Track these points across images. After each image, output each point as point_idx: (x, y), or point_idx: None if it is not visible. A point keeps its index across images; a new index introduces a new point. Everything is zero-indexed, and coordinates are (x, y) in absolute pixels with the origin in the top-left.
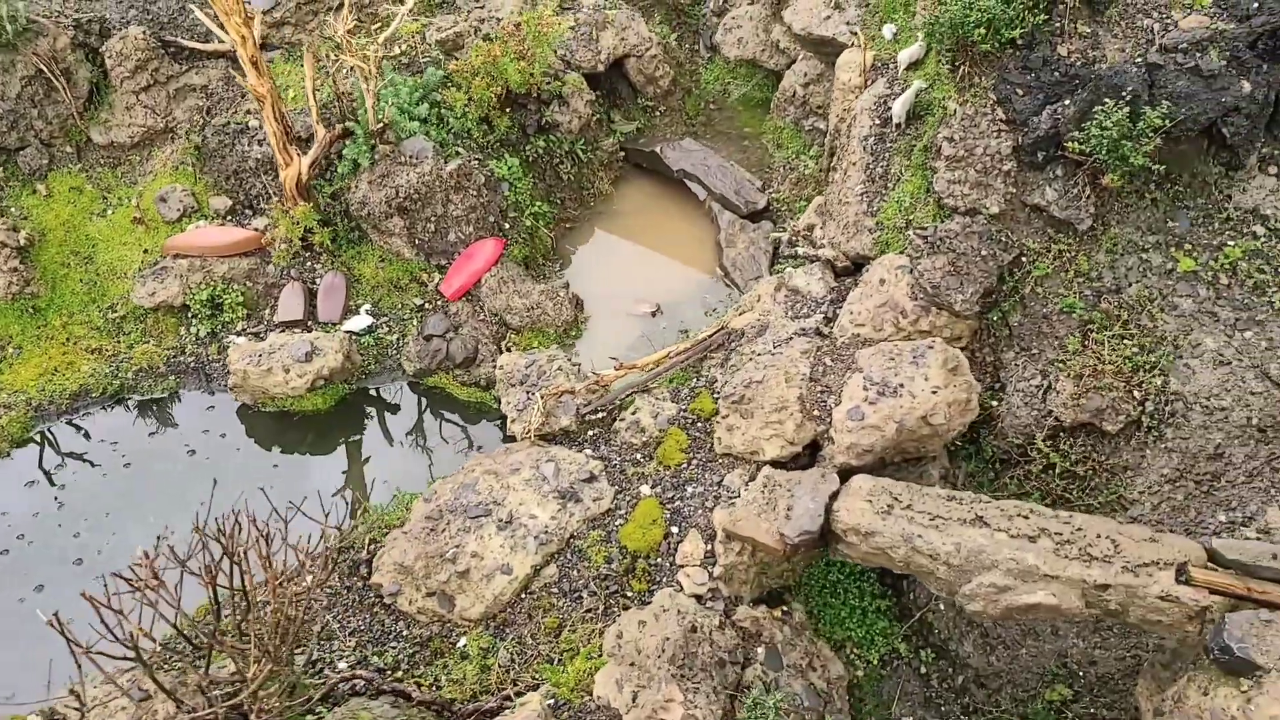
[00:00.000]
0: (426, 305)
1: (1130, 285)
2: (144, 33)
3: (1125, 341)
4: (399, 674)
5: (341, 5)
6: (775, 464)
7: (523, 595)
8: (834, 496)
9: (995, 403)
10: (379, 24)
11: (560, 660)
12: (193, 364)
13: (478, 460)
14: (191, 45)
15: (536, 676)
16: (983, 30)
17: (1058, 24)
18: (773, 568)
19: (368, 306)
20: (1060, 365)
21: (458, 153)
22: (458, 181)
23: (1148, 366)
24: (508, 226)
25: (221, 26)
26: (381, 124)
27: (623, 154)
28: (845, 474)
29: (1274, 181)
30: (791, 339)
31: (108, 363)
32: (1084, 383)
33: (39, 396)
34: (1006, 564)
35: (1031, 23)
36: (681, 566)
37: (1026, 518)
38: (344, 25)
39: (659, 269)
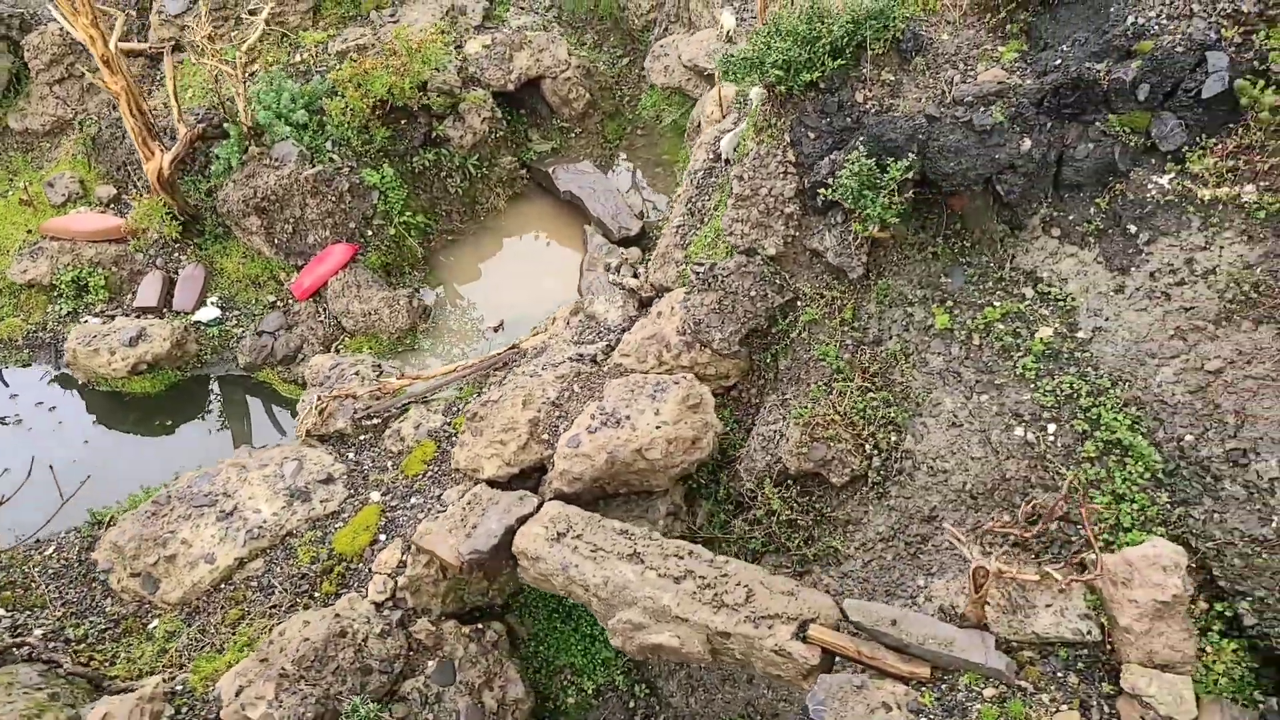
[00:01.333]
0: (278, 302)
1: (891, 338)
2: (60, 29)
3: (870, 395)
4: (82, 646)
5: (256, 11)
6: (493, 483)
7: (222, 585)
8: (524, 520)
9: (746, 445)
10: (280, 32)
11: (224, 650)
12: (49, 340)
13: (239, 453)
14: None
15: (195, 664)
16: (780, 72)
17: (864, 70)
18: (471, 584)
19: (214, 299)
20: (797, 413)
21: (332, 159)
22: (315, 187)
23: (885, 421)
24: (370, 234)
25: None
26: (249, 126)
27: (525, 172)
28: (565, 499)
29: (1055, 244)
30: (561, 363)
31: None
32: (813, 432)
33: None
34: (644, 602)
35: (830, 67)
36: (376, 573)
37: (681, 558)
38: (202, 31)
39: (527, 286)
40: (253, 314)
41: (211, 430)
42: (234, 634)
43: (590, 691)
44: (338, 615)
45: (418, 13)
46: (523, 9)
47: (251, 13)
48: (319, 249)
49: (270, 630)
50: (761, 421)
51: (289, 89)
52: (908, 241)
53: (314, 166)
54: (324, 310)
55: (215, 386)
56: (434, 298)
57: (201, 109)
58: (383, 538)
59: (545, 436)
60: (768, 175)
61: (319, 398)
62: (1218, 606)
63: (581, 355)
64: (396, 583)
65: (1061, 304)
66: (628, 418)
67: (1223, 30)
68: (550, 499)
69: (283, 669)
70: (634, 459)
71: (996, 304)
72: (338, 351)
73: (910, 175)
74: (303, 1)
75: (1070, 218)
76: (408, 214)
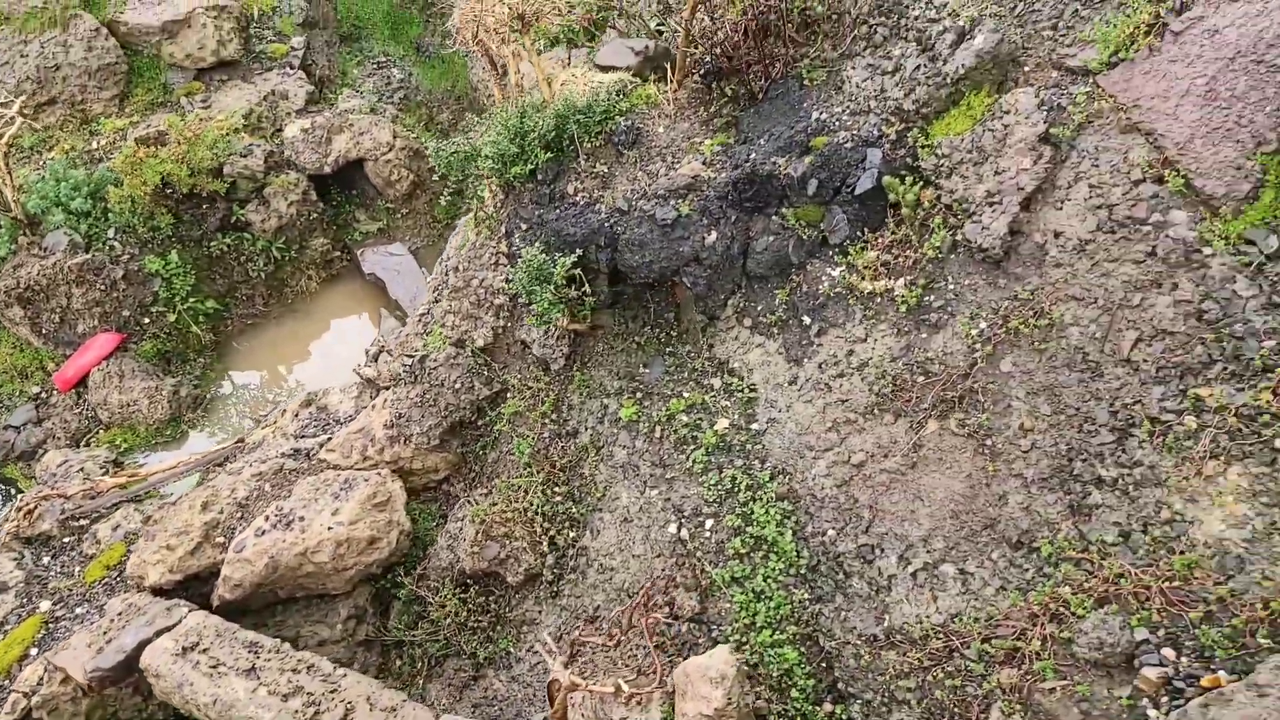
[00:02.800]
0: (43, 393)
1: (585, 431)
2: None
3: (555, 489)
4: None
5: (8, 105)
6: (158, 590)
7: None
8: (161, 633)
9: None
10: (80, 118)
11: None
12: None
13: None
14: None
15: None
16: (492, 164)
17: (580, 162)
18: (124, 702)
19: None
20: (474, 511)
21: (112, 247)
22: (80, 275)
23: (565, 518)
24: (147, 321)
25: None
26: (20, 217)
27: (345, 253)
28: (233, 605)
29: (746, 334)
30: (269, 460)
31: None
32: (488, 530)
33: None
34: None
35: (541, 160)
36: (14, 691)
37: (299, 672)
38: None
39: (329, 370)
40: (11, 406)
41: None
42: None
43: None
44: None
45: (232, 98)
46: (358, 92)
47: (3, 105)
48: (89, 338)
49: None
50: (452, 518)
51: (71, 177)
52: (613, 332)
53: (84, 255)
54: (84, 402)
55: None
56: (227, 383)
57: None
58: (34, 652)
59: (221, 540)
60: (480, 266)
61: (23, 498)
62: (838, 710)
63: (297, 450)
64: (31, 702)
65: (743, 395)
66: (302, 519)
67: (884, 127)
68: (216, 606)
69: None
70: (300, 563)
71: (685, 395)
72: (86, 445)
73: (602, 269)
74: (106, 89)
75: (758, 308)
76: (194, 300)
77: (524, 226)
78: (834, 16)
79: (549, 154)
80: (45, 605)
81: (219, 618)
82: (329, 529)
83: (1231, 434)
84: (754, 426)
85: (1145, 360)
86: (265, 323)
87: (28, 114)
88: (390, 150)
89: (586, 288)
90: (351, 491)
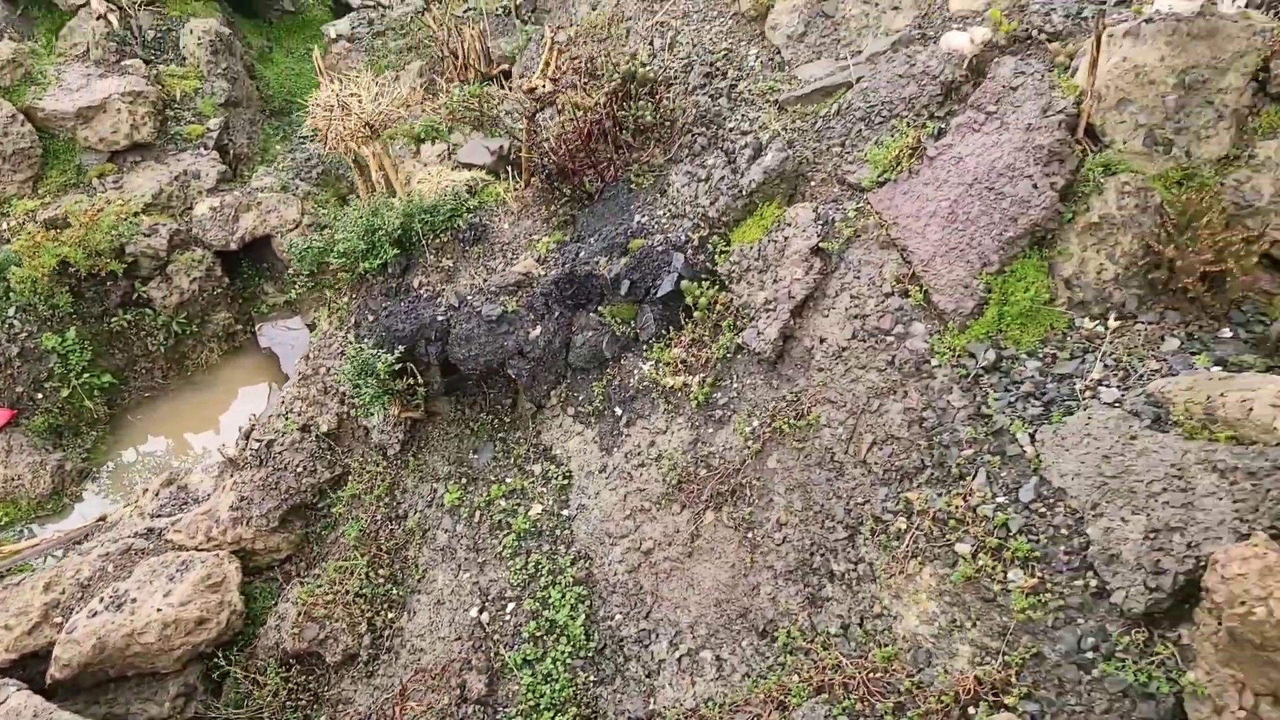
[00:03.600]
0: None
1: (414, 514)
2: None
3: (379, 571)
4: None
5: None
6: None
7: None
8: None
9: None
10: None
11: None
12: None
13: None
14: None
15: None
16: (342, 259)
17: (428, 257)
18: None
19: None
20: (298, 592)
21: (11, 325)
22: None
23: (385, 600)
24: (41, 396)
25: None
26: None
27: (251, 326)
28: (66, 685)
29: (570, 422)
30: (120, 539)
31: None
32: (309, 611)
33: None
34: None
35: (389, 255)
36: None
37: None
38: None
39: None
40: None
41: None
42: None
43: None
44: None
45: (144, 179)
46: (272, 170)
47: None
48: None
49: None
50: (283, 598)
51: None
52: (450, 419)
53: None
54: None
55: None
56: (131, 451)
57: None
58: None
59: (59, 619)
60: (329, 354)
61: None
62: None
63: (150, 530)
64: None
65: (559, 482)
66: (134, 600)
67: (692, 233)
68: (49, 684)
69: None
70: (127, 644)
71: (508, 481)
72: None
73: (433, 361)
74: (20, 172)
75: (580, 398)
76: (89, 375)
77: (370, 318)
78: (665, 124)
79: (397, 250)
80: None
81: (40, 699)
82: (158, 610)
83: (929, 536)
84: (565, 512)
85: (876, 463)
86: (163, 395)
87: None
88: (296, 227)
89: (418, 378)
90: (187, 573)
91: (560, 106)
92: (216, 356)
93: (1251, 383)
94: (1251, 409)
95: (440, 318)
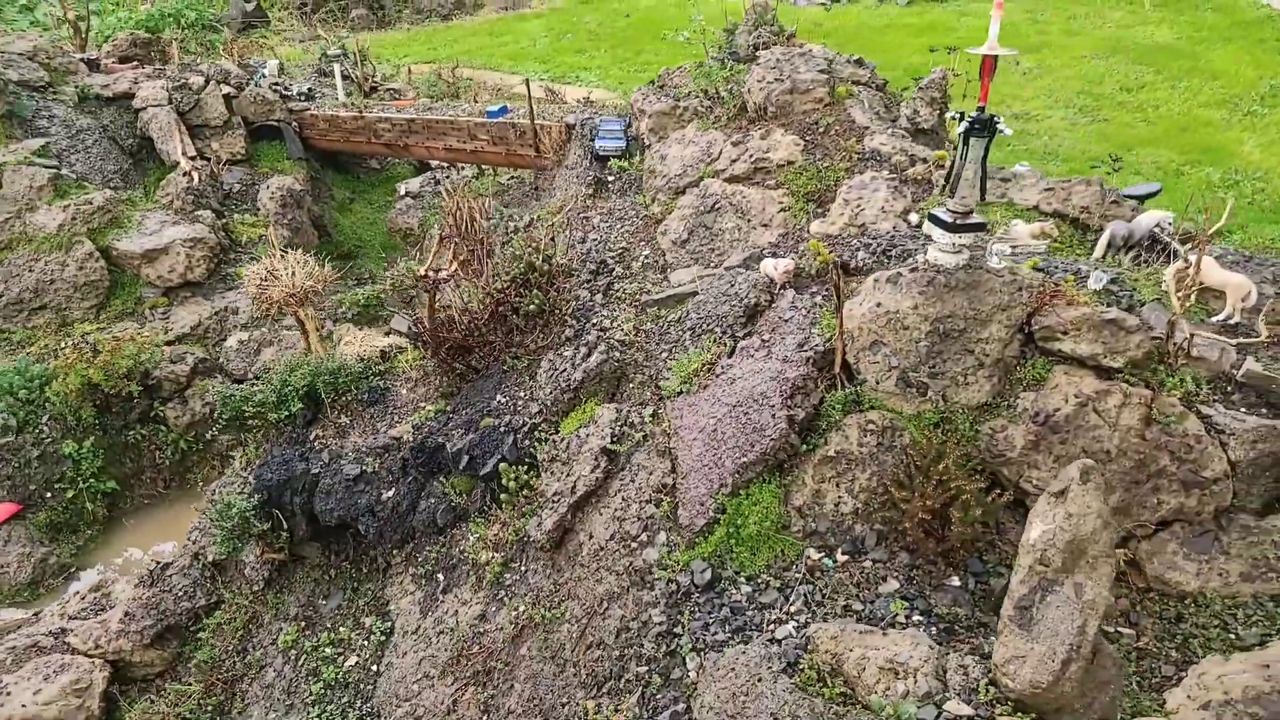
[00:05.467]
0: None
1: (257, 649)
2: None
3: (209, 699)
4: None
5: None
6: None
7: None
8: None
9: None
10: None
11: None
12: None
13: None
14: None
15: None
16: (255, 409)
17: (329, 413)
18: None
19: None
20: (141, 709)
21: (42, 430)
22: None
23: None
24: (49, 495)
25: None
26: None
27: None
28: None
29: (408, 581)
30: (34, 635)
31: None
32: None
33: None
34: None
35: (294, 409)
36: None
37: None
38: None
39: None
40: None
41: None
42: None
43: None
44: None
45: (188, 312)
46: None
47: None
48: None
49: None
50: (130, 712)
51: (32, 371)
52: (314, 563)
53: (12, 436)
54: None
55: None
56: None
57: None
58: None
59: None
60: (230, 491)
61: None
62: None
63: (63, 630)
64: None
65: (378, 638)
66: (9, 694)
67: (531, 418)
68: None
69: None
70: None
71: (341, 629)
72: None
73: (297, 511)
74: (87, 300)
75: (419, 559)
76: (95, 480)
77: (275, 463)
78: (550, 313)
79: (301, 405)
80: None
81: None
82: (23, 706)
83: None
84: (374, 667)
85: (585, 665)
86: (162, 504)
87: None
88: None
89: (284, 524)
90: (60, 676)
91: (461, 288)
92: (216, 474)
93: (876, 642)
94: (864, 669)
95: (314, 470)
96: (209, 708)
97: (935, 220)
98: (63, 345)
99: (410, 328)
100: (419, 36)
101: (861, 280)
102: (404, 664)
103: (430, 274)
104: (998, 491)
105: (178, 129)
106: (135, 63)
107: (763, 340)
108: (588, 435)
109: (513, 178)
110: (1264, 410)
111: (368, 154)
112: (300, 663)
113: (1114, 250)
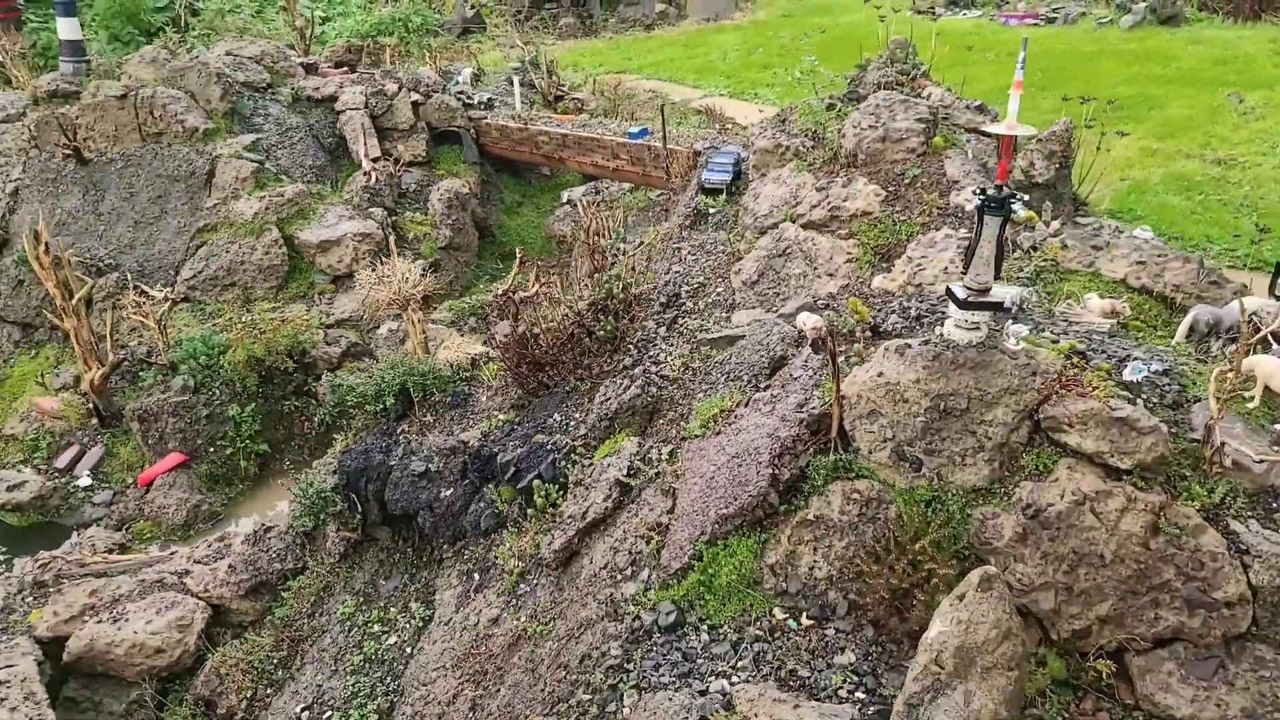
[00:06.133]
0: (130, 485)
1: (323, 615)
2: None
3: (277, 652)
4: None
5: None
6: (40, 641)
7: None
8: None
9: None
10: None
11: None
12: None
13: None
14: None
15: None
16: (359, 398)
17: (416, 411)
18: None
19: (87, 470)
20: (224, 651)
21: (213, 393)
22: (176, 410)
23: (269, 677)
24: (211, 450)
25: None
26: (162, 363)
27: None
28: (68, 668)
29: (454, 576)
30: (161, 572)
31: None
32: (218, 667)
33: None
34: None
35: (387, 403)
36: None
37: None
38: (134, 305)
39: None
40: (115, 489)
41: None
42: None
43: None
44: None
45: (349, 299)
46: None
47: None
48: (168, 454)
49: None
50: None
51: (214, 341)
52: (384, 545)
53: (191, 395)
54: (144, 499)
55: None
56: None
57: (132, 345)
58: None
59: (86, 618)
60: (321, 471)
61: (41, 555)
62: None
63: (186, 571)
64: None
65: (418, 624)
66: (127, 620)
67: (574, 440)
68: (62, 663)
69: None
70: (107, 650)
71: (391, 610)
72: (126, 529)
73: (369, 497)
74: (269, 281)
75: (466, 555)
76: (251, 442)
77: (354, 450)
78: (620, 339)
79: (393, 400)
80: None
81: (34, 668)
82: (135, 633)
83: None
84: (409, 650)
85: (550, 684)
86: (303, 469)
87: (175, 299)
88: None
89: (359, 508)
90: (170, 611)
91: (540, 309)
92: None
93: (785, 714)
94: None
95: (390, 463)
96: (275, 661)
97: (950, 295)
98: (242, 320)
99: (486, 341)
100: (619, 45)
101: (865, 345)
102: (431, 651)
103: (510, 295)
104: None
105: (365, 132)
106: (345, 67)
107: (773, 395)
108: (609, 465)
109: (662, 194)
110: None
111: (531, 162)
112: (352, 634)
113: (1199, 336)
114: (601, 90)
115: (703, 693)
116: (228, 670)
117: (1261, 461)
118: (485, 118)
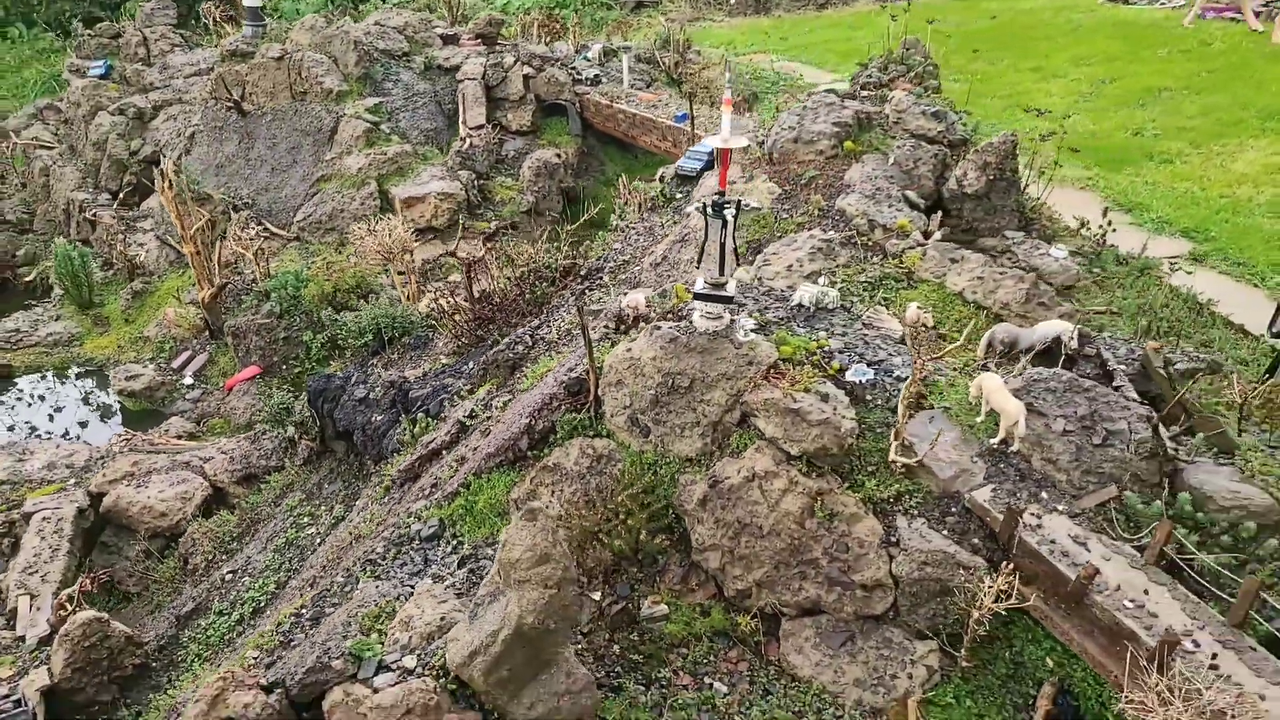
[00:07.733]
0: (221, 390)
1: (279, 506)
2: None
3: (236, 529)
4: None
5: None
6: (93, 495)
7: None
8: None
9: None
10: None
11: None
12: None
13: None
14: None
15: None
16: (347, 333)
17: (388, 349)
18: None
19: (192, 371)
20: (199, 522)
21: (296, 319)
22: (259, 329)
23: (227, 547)
24: (284, 368)
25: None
26: (260, 289)
27: None
28: (105, 518)
29: (373, 486)
30: (189, 459)
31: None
32: (192, 534)
33: None
34: None
35: (366, 340)
36: None
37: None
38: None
39: None
40: (207, 389)
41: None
42: None
43: None
44: None
45: (424, 251)
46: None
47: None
48: (249, 366)
49: None
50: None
51: (302, 274)
52: (339, 457)
53: (275, 319)
54: (223, 401)
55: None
56: None
57: (247, 273)
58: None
59: (122, 485)
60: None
61: (122, 432)
62: None
63: (209, 458)
64: None
65: (334, 521)
66: (145, 487)
67: (463, 385)
68: (101, 513)
69: None
70: (126, 508)
71: (323, 508)
72: (202, 423)
73: (324, 414)
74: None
75: (381, 470)
76: (316, 365)
77: (319, 375)
78: (543, 304)
79: (371, 338)
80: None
81: (74, 511)
82: (148, 497)
83: None
84: (317, 541)
85: (340, 571)
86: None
87: (289, 237)
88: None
89: (317, 422)
90: (179, 485)
91: (490, 271)
92: None
93: (421, 602)
94: (411, 620)
95: (344, 388)
96: (234, 535)
97: (691, 288)
98: (338, 258)
99: (435, 295)
100: (783, 25)
101: None
102: (329, 542)
103: (461, 255)
104: (668, 534)
105: (471, 100)
106: (480, 39)
107: (574, 362)
108: (461, 407)
109: None
110: (969, 541)
111: (617, 136)
112: (288, 523)
113: (995, 354)
114: (726, 70)
115: (402, 583)
116: (199, 537)
117: (919, 461)
118: (589, 93)
